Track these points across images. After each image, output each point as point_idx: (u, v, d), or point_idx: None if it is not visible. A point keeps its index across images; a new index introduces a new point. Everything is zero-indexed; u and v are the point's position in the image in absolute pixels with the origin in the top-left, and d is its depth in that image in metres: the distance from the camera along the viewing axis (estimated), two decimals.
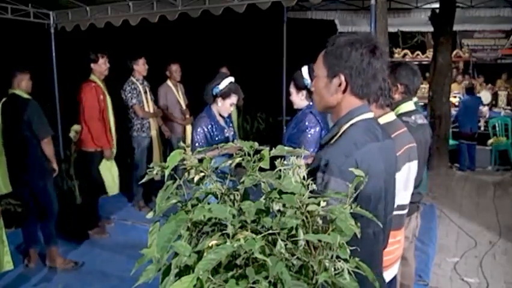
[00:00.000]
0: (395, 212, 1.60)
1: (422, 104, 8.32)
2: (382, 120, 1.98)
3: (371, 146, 1.32)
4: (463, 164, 7.43)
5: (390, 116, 2.13)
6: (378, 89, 2.05)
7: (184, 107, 5.55)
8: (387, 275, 1.98)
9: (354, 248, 1.02)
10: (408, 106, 2.50)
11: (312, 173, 1.22)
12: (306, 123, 2.91)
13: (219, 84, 3.23)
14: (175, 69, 5.46)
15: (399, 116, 2.42)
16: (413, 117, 2.47)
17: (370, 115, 1.41)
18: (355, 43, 1.33)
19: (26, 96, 3.76)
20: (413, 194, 2.24)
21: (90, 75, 4.48)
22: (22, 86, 3.76)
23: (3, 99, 3.81)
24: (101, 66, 4.48)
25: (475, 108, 7.63)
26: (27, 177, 3.75)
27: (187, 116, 5.52)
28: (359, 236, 1.02)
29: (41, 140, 3.70)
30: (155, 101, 5.36)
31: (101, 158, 4.48)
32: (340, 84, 1.36)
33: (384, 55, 1.36)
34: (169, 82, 5.49)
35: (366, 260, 1.05)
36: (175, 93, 5.48)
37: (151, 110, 5.16)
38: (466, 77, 10.55)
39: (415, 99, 3.17)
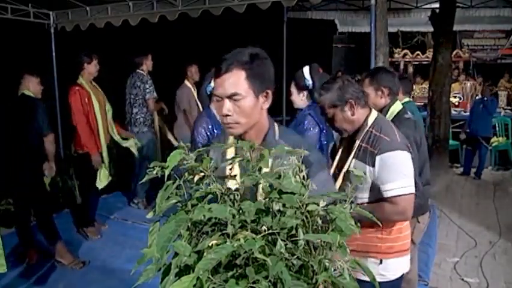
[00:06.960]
0: None
1: (422, 104, 8.33)
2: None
3: None
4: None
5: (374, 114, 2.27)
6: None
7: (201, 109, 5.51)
8: (407, 261, 2.06)
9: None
10: (399, 105, 2.63)
11: None
12: (306, 125, 2.91)
13: (210, 82, 3.20)
14: (194, 70, 5.43)
15: (397, 115, 2.54)
16: (409, 113, 2.62)
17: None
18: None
19: (34, 96, 3.82)
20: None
21: (78, 78, 4.40)
22: (30, 88, 3.81)
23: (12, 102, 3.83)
24: (93, 68, 4.44)
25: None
26: (22, 176, 3.74)
27: None
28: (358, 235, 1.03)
29: (44, 137, 3.73)
30: (174, 104, 5.39)
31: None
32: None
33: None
34: (187, 83, 5.42)
35: None
36: (194, 95, 5.37)
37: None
38: (467, 76, 10.54)
39: (407, 98, 3.35)
